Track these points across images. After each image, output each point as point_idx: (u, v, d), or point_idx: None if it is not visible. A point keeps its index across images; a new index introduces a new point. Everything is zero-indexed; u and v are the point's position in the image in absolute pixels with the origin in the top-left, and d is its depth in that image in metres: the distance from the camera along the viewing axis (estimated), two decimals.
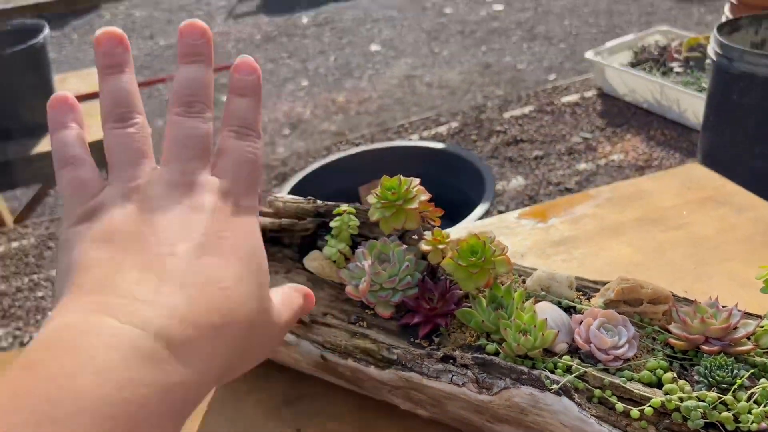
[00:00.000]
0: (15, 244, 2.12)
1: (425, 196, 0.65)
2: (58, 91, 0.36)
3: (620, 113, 2.45)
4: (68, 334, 0.27)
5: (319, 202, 0.72)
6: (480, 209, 1.29)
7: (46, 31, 2.25)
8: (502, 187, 2.04)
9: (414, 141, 1.66)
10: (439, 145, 1.49)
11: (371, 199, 0.66)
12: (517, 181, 2.02)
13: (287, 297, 0.43)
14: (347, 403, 0.69)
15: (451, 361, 0.59)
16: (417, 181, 0.66)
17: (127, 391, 0.23)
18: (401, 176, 0.65)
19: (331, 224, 0.68)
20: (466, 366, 0.58)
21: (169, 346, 0.25)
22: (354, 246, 0.68)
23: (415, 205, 0.64)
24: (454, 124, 2.32)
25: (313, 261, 0.68)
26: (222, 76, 4.09)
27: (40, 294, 1.92)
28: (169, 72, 4.34)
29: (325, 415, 0.68)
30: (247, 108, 0.36)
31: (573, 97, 2.58)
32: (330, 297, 0.67)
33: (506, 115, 2.40)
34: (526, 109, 2.46)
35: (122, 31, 0.36)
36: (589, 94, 2.58)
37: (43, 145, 2.22)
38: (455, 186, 1.55)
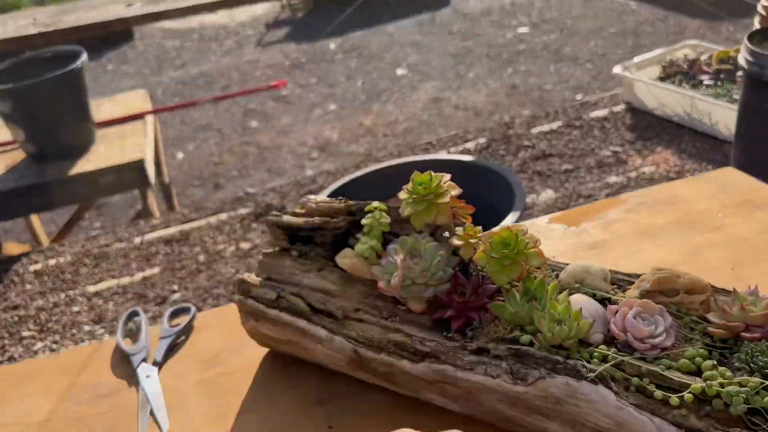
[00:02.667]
0: (52, 262, 2.17)
1: (456, 191, 0.66)
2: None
3: (650, 127, 2.43)
4: None
5: (351, 201, 0.72)
6: (510, 218, 1.29)
7: (84, 56, 2.33)
8: (532, 201, 2.03)
9: (443, 155, 1.67)
10: (468, 158, 1.49)
11: (402, 194, 0.66)
12: (547, 195, 2.01)
13: None
14: (380, 401, 0.68)
15: (485, 353, 0.59)
16: (448, 176, 0.66)
17: None
18: (432, 172, 0.65)
19: (363, 221, 0.69)
20: (500, 357, 0.58)
21: None
22: (385, 244, 0.69)
23: (446, 199, 0.64)
24: (482, 140, 2.33)
25: (345, 258, 0.69)
26: (249, 100, 4.17)
27: (76, 309, 1.95)
28: (198, 97, 4.43)
29: (357, 412, 0.68)
30: None
31: (602, 112, 2.57)
32: (362, 294, 0.68)
33: (534, 130, 2.40)
34: (554, 125, 2.45)
35: None
36: (617, 108, 2.56)
37: (80, 167, 2.29)
38: (485, 199, 1.55)
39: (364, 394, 0.70)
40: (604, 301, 0.61)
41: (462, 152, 2.25)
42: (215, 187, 3.28)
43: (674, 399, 0.50)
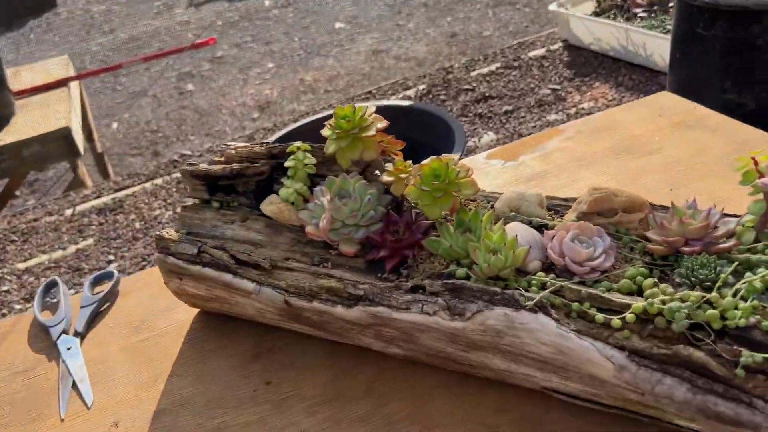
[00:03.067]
0: None
1: (382, 124, 0.61)
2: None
3: (587, 63, 2.43)
4: None
5: (272, 143, 0.67)
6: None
7: None
8: (474, 144, 2.00)
9: (380, 101, 1.61)
10: (407, 103, 1.45)
11: (325, 131, 0.62)
12: (489, 137, 1.99)
13: None
14: (318, 351, 0.65)
15: (421, 290, 0.56)
16: (372, 108, 0.62)
17: None
18: (354, 104, 0.60)
19: (286, 164, 0.64)
20: (436, 294, 0.55)
21: None
22: (313, 187, 0.64)
23: (371, 132, 0.60)
24: (422, 87, 2.28)
25: (270, 205, 0.64)
26: (183, 63, 3.99)
27: (4, 288, 1.85)
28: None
29: (295, 365, 0.65)
30: None
31: (539, 51, 2.54)
32: (291, 241, 0.63)
33: (473, 73, 2.36)
34: (493, 66, 2.42)
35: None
36: (555, 47, 2.55)
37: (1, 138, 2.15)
38: (426, 144, 1.51)
39: (300, 345, 0.66)
40: (541, 228, 0.59)
41: (403, 99, 2.20)
42: (154, 155, 3.15)
43: (616, 321, 0.48)
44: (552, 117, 2.07)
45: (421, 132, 1.50)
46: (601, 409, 0.54)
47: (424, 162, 0.59)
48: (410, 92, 2.26)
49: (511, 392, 0.58)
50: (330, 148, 0.61)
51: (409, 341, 0.57)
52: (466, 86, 2.19)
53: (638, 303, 0.48)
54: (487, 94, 2.13)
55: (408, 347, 0.58)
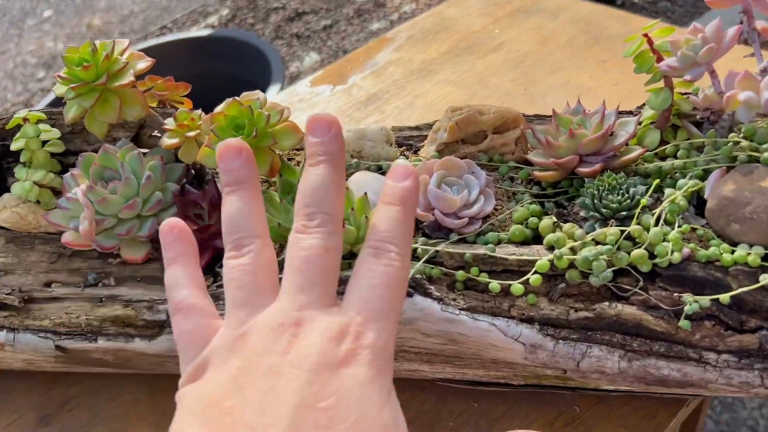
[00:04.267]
0: None
1: (145, 63, 0.42)
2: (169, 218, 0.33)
3: None
4: None
5: None
6: (272, 94, 1.07)
7: None
8: (297, 69, 1.81)
9: (171, 35, 1.35)
10: (205, 32, 1.21)
11: (58, 88, 0.41)
12: (312, 58, 1.80)
13: None
14: (135, 393, 0.47)
15: None
16: (124, 42, 0.42)
17: None
18: (94, 40, 0.40)
19: (13, 146, 0.43)
20: None
21: None
22: (64, 173, 0.44)
23: (127, 79, 0.40)
24: (225, 12, 2.00)
25: (3, 211, 0.43)
26: None
27: None
28: None
29: (101, 417, 0.46)
30: (392, 219, 0.30)
31: None
32: (49, 257, 0.44)
33: None
34: None
35: (246, 145, 0.32)
36: None
37: None
38: (240, 79, 1.30)
39: (108, 390, 0.48)
40: None
41: (205, 29, 1.93)
42: None
43: (517, 287, 0.35)
44: (375, 26, 1.91)
45: (230, 65, 1.28)
46: (509, 391, 0.42)
47: (217, 109, 0.41)
48: (212, 19, 1.98)
49: (398, 386, 0.45)
50: (70, 112, 0.40)
51: None
52: (276, 4, 1.95)
53: (542, 259, 0.35)
54: (300, 10, 1.92)
55: None
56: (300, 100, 0.76)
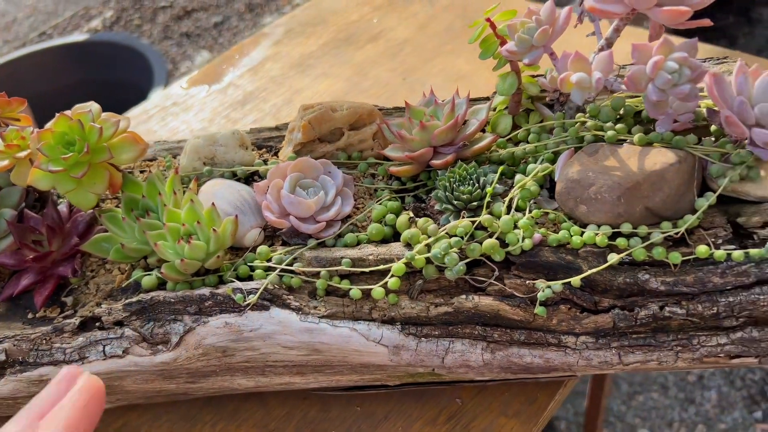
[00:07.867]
0: None
1: None
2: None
3: None
4: None
5: None
6: (155, 99, 1.01)
7: None
8: (188, 68, 1.74)
9: (48, 42, 1.26)
10: (82, 38, 1.14)
11: None
12: (203, 57, 1.74)
13: None
14: None
15: (97, 323, 0.37)
16: None
17: None
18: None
19: None
20: (120, 323, 0.36)
21: None
22: None
23: None
24: (109, 14, 1.90)
25: None
26: None
27: None
28: None
29: None
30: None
31: None
32: None
33: None
34: None
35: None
36: None
37: None
38: (121, 83, 1.23)
39: None
40: (252, 179, 0.42)
41: (87, 33, 1.83)
42: None
43: (377, 290, 0.34)
44: (268, 20, 1.87)
45: (110, 71, 1.22)
46: (390, 392, 0.41)
47: (48, 125, 0.38)
48: (96, 22, 1.87)
49: (273, 400, 0.43)
50: None
51: (112, 393, 0.39)
52: (163, 3, 1.87)
53: (399, 263, 0.34)
54: (188, 8, 1.84)
55: (116, 399, 0.40)
56: (174, 103, 0.73)
